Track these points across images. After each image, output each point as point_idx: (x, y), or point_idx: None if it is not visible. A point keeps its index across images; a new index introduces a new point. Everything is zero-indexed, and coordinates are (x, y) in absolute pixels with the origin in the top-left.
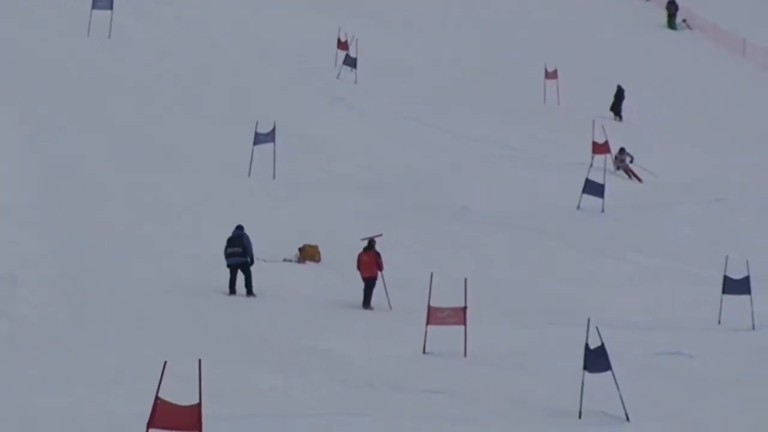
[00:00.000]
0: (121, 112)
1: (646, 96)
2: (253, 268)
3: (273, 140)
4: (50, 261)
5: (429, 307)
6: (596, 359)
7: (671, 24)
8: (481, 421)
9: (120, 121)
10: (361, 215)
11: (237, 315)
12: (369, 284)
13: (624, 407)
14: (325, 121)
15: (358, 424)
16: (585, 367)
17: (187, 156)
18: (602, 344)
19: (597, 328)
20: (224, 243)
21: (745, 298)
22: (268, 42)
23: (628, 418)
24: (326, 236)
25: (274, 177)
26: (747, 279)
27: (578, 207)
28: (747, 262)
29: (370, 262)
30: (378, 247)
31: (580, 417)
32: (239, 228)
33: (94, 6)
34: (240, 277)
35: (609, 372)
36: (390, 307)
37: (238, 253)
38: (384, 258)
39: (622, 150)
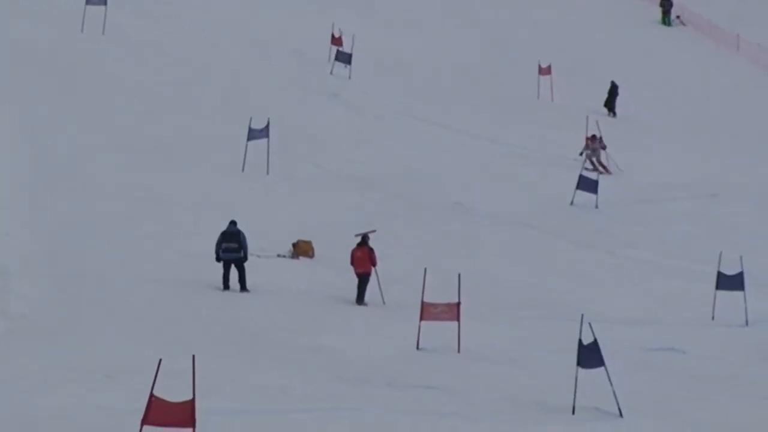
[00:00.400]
0: (116, 108)
1: (639, 92)
2: (246, 264)
3: (267, 136)
4: (45, 258)
5: (422, 303)
6: (590, 355)
7: (665, 20)
8: (475, 417)
9: (115, 117)
10: (354, 211)
11: (230, 310)
12: (362, 280)
13: (617, 403)
14: (319, 116)
15: (352, 420)
16: (578, 363)
17: (182, 151)
18: (595, 340)
19: (590, 324)
20: (218, 237)
21: (738, 294)
22: (264, 38)
23: (621, 414)
24: (320, 232)
25: (267, 172)
26: (741, 275)
27: (572, 203)
28: (741, 258)
29: (363, 258)
30: (372, 243)
31: (573, 413)
32: (233, 223)
33: (88, 2)
34: (234, 272)
35: (602, 368)
36: (384, 302)
37: (234, 248)
38: (378, 253)
39: (594, 137)
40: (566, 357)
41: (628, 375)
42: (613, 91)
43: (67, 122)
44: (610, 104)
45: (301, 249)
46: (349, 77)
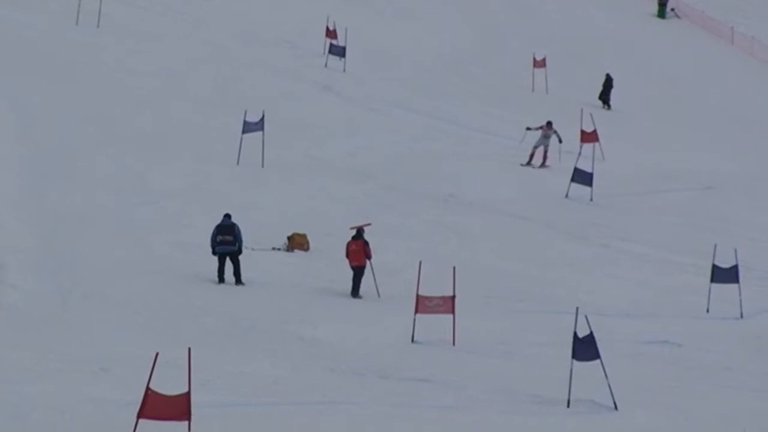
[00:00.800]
0: (111, 100)
1: (634, 85)
2: (241, 257)
3: (262, 129)
4: (39, 249)
5: (417, 296)
6: (585, 348)
7: (662, 13)
8: (469, 409)
9: (110, 109)
10: (350, 203)
11: (225, 303)
12: (357, 273)
13: (612, 396)
14: (313, 109)
15: (347, 412)
16: (573, 356)
17: (177, 144)
18: (591, 333)
19: (586, 316)
20: (213, 230)
21: (733, 286)
22: (258, 31)
23: (616, 407)
24: (315, 225)
25: (262, 165)
26: (735, 268)
27: (567, 195)
28: (735, 251)
29: (358, 251)
30: (367, 235)
31: (568, 405)
32: (228, 216)
33: None
34: (229, 265)
35: (597, 360)
36: (378, 295)
37: (229, 241)
38: (373, 246)
39: (549, 124)
40: (561, 350)
41: (623, 367)
42: (608, 83)
43: (61, 114)
44: (604, 97)
45: (296, 242)
46: (344, 70)
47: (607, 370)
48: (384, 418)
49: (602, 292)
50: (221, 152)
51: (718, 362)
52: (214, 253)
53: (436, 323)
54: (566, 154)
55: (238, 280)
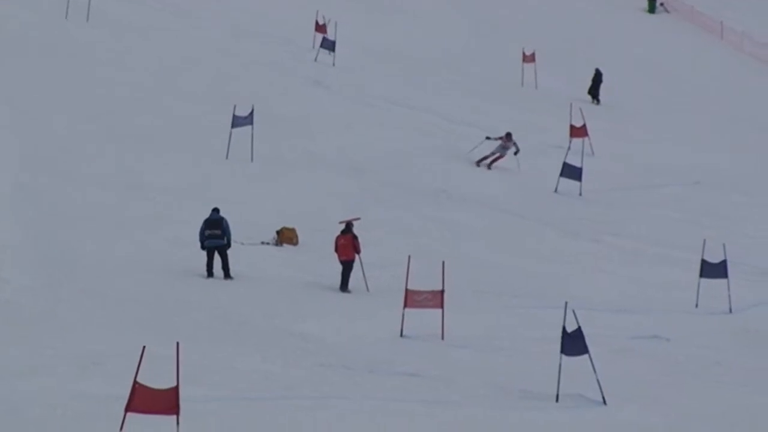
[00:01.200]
0: (101, 96)
1: (623, 80)
2: (230, 251)
3: (251, 123)
4: (31, 244)
5: (406, 290)
6: (573, 342)
7: (651, 8)
8: (458, 404)
9: (100, 104)
10: (339, 198)
11: (215, 298)
12: (346, 267)
13: (601, 390)
14: (303, 104)
15: (336, 407)
16: (562, 351)
17: (166, 138)
18: (579, 328)
19: (574, 311)
20: (201, 225)
21: (722, 281)
22: (248, 25)
23: (605, 402)
24: (304, 219)
25: (252, 160)
26: (724, 263)
27: (556, 190)
28: (724, 246)
29: (347, 246)
30: (357, 229)
31: (557, 400)
32: (216, 210)
33: None
34: (217, 260)
35: (586, 355)
36: (368, 289)
37: (217, 235)
38: (362, 240)
39: (509, 135)
40: (550, 344)
41: (611, 362)
42: (597, 78)
43: (53, 110)
44: (593, 91)
45: (285, 236)
46: (333, 64)
47: (596, 364)
48: (373, 412)
49: (591, 287)
50: (211, 147)
51: (706, 357)
52: (202, 247)
53: (425, 318)
54: (556, 149)
55: (227, 275)
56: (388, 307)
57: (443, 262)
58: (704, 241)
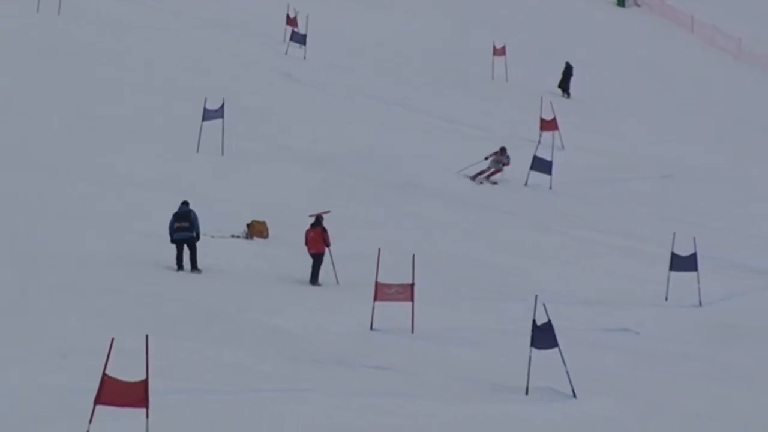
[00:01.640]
0: (71, 88)
1: (594, 73)
2: (200, 244)
3: (222, 116)
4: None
5: (376, 283)
6: (543, 336)
7: (621, 2)
8: (428, 397)
9: (70, 97)
10: (310, 191)
11: (184, 290)
12: (316, 260)
13: (571, 383)
14: (274, 97)
15: (305, 400)
16: (532, 344)
17: (136, 131)
18: (549, 321)
19: (544, 304)
20: (171, 218)
21: (692, 275)
22: (219, 19)
23: (575, 395)
24: (274, 212)
25: (222, 153)
26: (694, 256)
27: (526, 183)
28: (694, 239)
29: (317, 239)
30: (328, 222)
31: (527, 393)
32: (185, 203)
33: None
34: (187, 252)
35: (556, 348)
36: (338, 283)
37: (186, 228)
38: (333, 233)
39: (503, 150)
40: (520, 338)
41: (581, 355)
42: (568, 71)
43: (23, 102)
44: (564, 85)
45: (256, 229)
46: (304, 57)
47: (565, 357)
48: (342, 405)
49: (561, 280)
50: (181, 140)
51: (676, 350)
52: (172, 240)
53: (395, 311)
54: (526, 142)
55: (194, 267)
56: (358, 300)
57: (413, 256)
58: (674, 234)
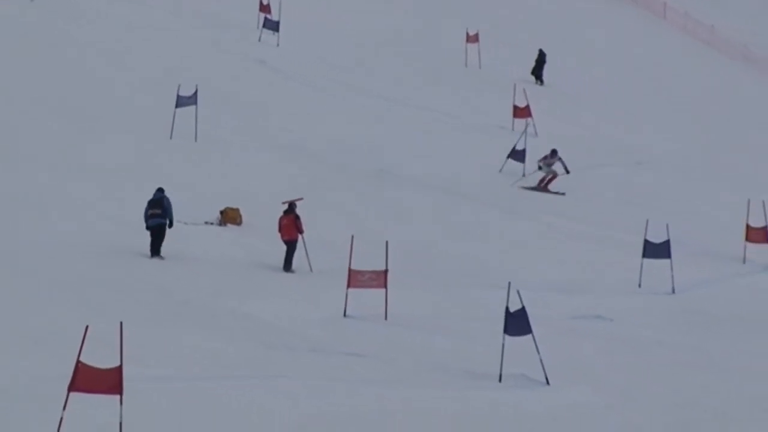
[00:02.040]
0: (44, 76)
1: (567, 60)
2: (173, 231)
3: (195, 103)
4: None
5: (350, 270)
6: (516, 323)
7: None
8: (402, 384)
9: (44, 84)
10: (283, 178)
11: (157, 277)
12: (289, 247)
13: (544, 370)
14: (247, 84)
15: (278, 387)
16: (505, 331)
17: (109, 118)
18: (523, 308)
19: (518, 291)
20: (145, 205)
21: (665, 262)
22: (192, 5)
23: (548, 382)
24: (248, 199)
25: (196, 140)
26: (667, 243)
27: (500, 170)
28: (667, 226)
29: (289, 226)
30: (301, 210)
31: (500, 380)
32: (160, 190)
33: None
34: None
35: (529, 335)
36: (311, 270)
37: (158, 215)
38: (306, 220)
39: (554, 152)
40: (493, 324)
41: (554, 342)
42: (541, 59)
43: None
44: (537, 72)
45: (229, 216)
46: (278, 44)
47: (539, 345)
48: (316, 392)
49: (534, 268)
50: (155, 127)
51: (649, 337)
52: (147, 228)
53: (368, 298)
54: (499, 130)
55: (156, 253)
56: (332, 287)
57: (386, 242)
58: (647, 221)
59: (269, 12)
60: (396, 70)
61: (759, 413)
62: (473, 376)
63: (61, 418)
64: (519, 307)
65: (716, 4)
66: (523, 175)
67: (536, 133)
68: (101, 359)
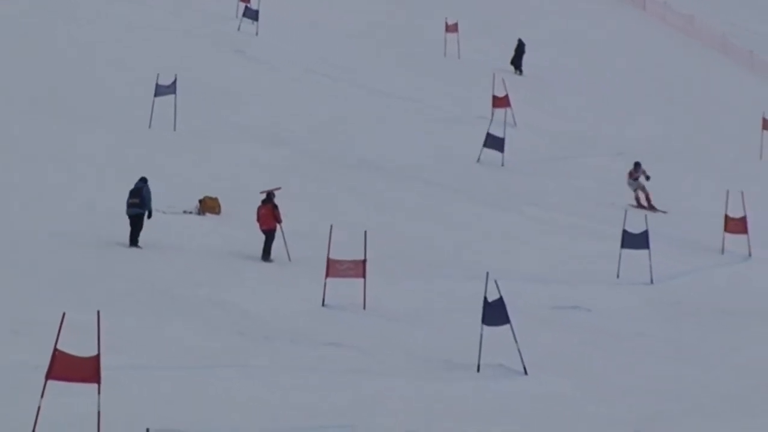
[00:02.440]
0: (22, 66)
1: (547, 50)
2: (152, 220)
3: (174, 92)
4: None
5: (328, 259)
6: (495, 313)
7: None
8: (380, 373)
9: (22, 74)
10: (263, 167)
11: (136, 266)
12: (268, 237)
13: (522, 360)
14: (226, 73)
15: (257, 377)
16: (483, 321)
17: (87, 107)
18: (501, 298)
19: (496, 281)
20: (126, 195)
21: (643, 252)
22: None
23: (526, 372)
24: (226, 188)
25: (174, 129)
26: (645, 233)
27: (478, 160)
28: (646, 217)
29: (268, 215)
30: (280, 199)
31: (478, 370)
32: (142, 180)
33: None
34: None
35: (508, 325)
36: (289, 259)
37: (136, 204)
38: (286, 210)
39: (637, 165)
40: (472, 314)
41: (532, 333)
42: (520, 48)
43: None
44: (516, 62)
45: (208, 205)
46: (257, 34)
47: (517, 335)
48: (294, 382)
49: (513, 258)
50: (134, 116)
51: (627, 328)
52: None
53: (347, 288)
54: (478, 119)
55: (134, 242)
56: (310, 277)
57: (365, 232)
58: (626, 211)
59: (248, 1)
60: (375, 60)
61: (736, 404)
62: (451, 366)
63: (39, 407)
64: (497, 297)
65: None
66: (502, 165)
67: (515, 123)
68: (79, 348)
